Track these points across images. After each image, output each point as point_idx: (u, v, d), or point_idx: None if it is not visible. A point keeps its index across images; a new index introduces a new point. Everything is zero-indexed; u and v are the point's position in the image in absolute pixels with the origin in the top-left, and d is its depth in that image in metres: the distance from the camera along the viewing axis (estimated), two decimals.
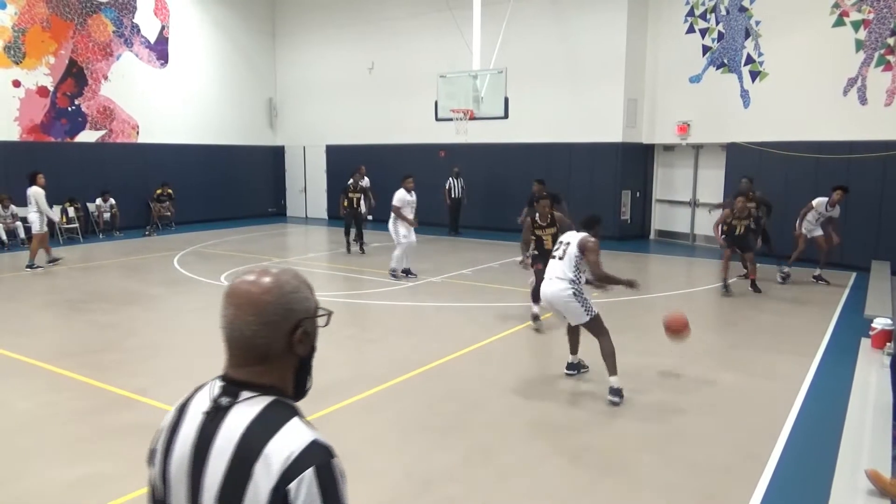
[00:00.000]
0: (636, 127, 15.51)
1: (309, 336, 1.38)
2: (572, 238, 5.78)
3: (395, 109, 18.45)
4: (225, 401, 1.32)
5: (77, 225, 15.54)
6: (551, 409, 5.37)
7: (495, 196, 16.93)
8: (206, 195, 18.97)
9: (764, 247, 11.00)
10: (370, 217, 16.06)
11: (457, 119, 13.06)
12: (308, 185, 21.01)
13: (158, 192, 17.38)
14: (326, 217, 20.40)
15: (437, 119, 13.73)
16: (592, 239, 5.70)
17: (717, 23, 14.03)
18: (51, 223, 12.47)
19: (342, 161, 19.77)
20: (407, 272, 10.81)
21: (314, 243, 16.22)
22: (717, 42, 14.06)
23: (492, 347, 7.09)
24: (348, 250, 13.54)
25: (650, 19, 15.23)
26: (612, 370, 5.47)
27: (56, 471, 4.28)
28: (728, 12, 13.78)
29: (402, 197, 10.80)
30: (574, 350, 6.14)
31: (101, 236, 15.87)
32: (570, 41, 15.53)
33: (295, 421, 1.30)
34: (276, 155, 21.38)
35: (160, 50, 17.89)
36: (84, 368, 6.23)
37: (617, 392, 5.42)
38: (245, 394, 1.32)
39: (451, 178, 16.47)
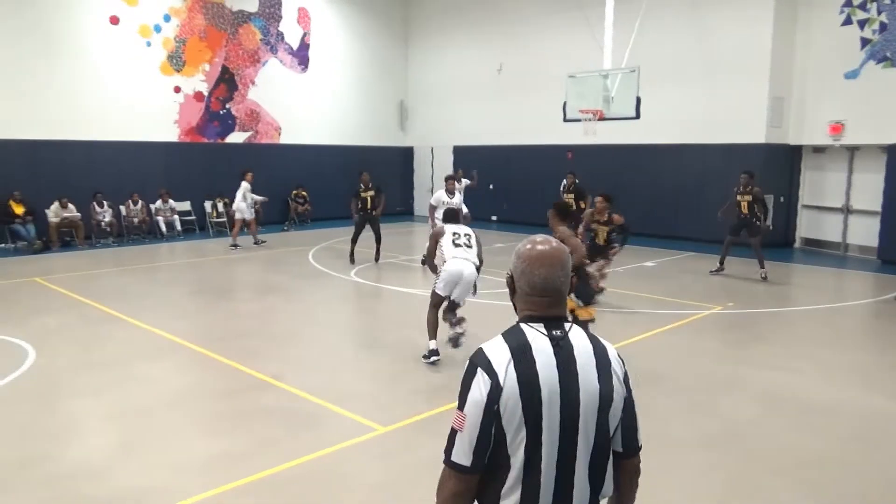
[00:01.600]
0: (781, 127, 14.45)
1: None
2: (469, 230, 6.66)
3: (522, 110, 18.39)
4: (559, 332, 1.75)
5: (225, 219, 16.81)
6: (676, 421, 5.13)
7: (623, 198, 16.38)
8: (341, 193, 19.79)
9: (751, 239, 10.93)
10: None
11: (585, 120, 12.81)
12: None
13: (294, 192, 18.47)
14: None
15: (565, 120, 13.52)
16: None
17: (879, 12, 12.77)
18: (256, 211, 14.83)
19: (469, 162, 20.00)
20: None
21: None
22: (879, 34, 12.80)
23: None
24: (352, 260, 11.98)
25: (800, 11, 14.12)
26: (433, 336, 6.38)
27: (200, 445, 4.67)
28: (893, 0, 12.52)
29: (438, 197, 11.04)
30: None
31: (245, 230, 17.07)
32: (708, 36, 14.74)
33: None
34: (405, 155, 22.00)
35: (301, 56, 18.97)
36: (228, 352, 6.73)
37: (433, 352, 6.32)
38: (566, 325, 1.79)
39: (564, 181, 16.16)
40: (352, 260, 12.05)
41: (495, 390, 1.65)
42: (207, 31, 16.87)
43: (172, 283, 10.66)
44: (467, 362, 1.74)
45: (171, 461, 4.39)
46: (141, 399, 5.51)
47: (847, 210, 14.08)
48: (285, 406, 5.39)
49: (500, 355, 1.69)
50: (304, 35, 18.98)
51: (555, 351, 1.71)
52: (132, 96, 15.63)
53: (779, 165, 14.58)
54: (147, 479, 4.13)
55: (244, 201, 14.07)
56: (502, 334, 1.76)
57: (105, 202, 14.79)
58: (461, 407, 1.69)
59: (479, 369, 1.69)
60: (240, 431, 4.88)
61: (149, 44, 15.84)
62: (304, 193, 18.59)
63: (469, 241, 6.55)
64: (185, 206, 16.47)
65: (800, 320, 8.53)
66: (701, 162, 15.08)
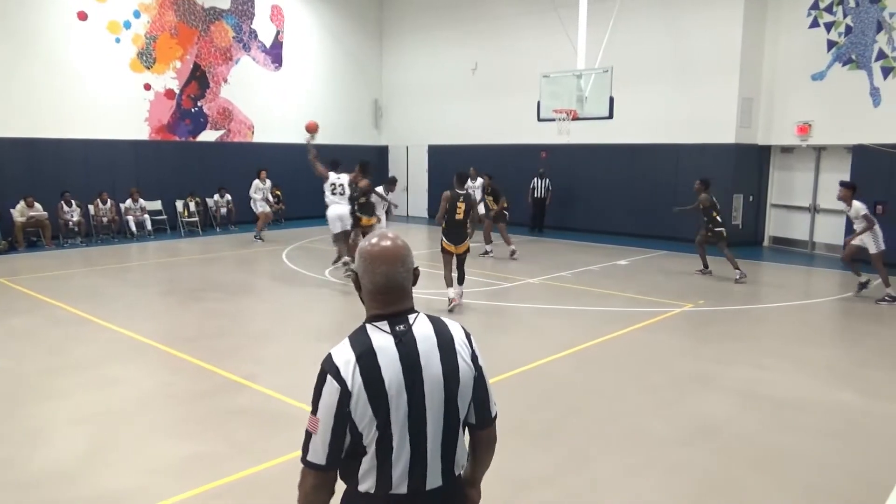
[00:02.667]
0: (751, 127, 14.70)
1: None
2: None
3: (497, 110, 18.45)
4: (402, 328, 1.84)
5: (197, 219, 16.59)
6: (651, 418, 5.19)
7: (597, 198, 16.58)
8: (314, 192, 19.62)
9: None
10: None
11: (559, 119, 12.88)
12: (409, 185, 21.41)
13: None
14: (427, 216, 20.70)
15: (539, 119, 13.59)
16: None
17: (845, 16, 13.07)
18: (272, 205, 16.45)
19: (444, 161, 20.01)
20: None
21: (414, 241, 16.50)
22: (845, 36, 13.10)
23: (590, 352, 6.95)
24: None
25: (769, 13, 14.38)
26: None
27: (173, 447, 4.59)
28: (858, 4, 12.81)
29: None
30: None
31: (217, 230, 16.88)
32: (680, 38, 14.95)
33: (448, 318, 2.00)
34: (380, 154, 21.92)
35: (275, 54, 18.79)
36: (199, 352, 6.64)
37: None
38: (410, 317, 1.87)
39: (535, 178, 16.47)
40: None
41: (344, 395, 1.76)
42: (178, 28, 16.62)
43: (143, 283, 10.48)
44: (319, 368, 1.83)
45: (144, 464, 4.32)
46: (111, 402, 5.40)
47: (814, 209, 14.38)
48: (259, 407, 5.34)
49: (345, 360, 1.79)
50: (278, 33, 18.81)
51: (398, 348, 1.80)
52: (101, 93, 15.35)
53: (748, 165, 14.84)
54: (119, 483, 4.06)
55: (256, 194, 15.61)
56: (349, 337, 1.86)
57: (73, 201, 14.49)
58: (314, 412, 1.81)
59: (329, 376, 1.79)
60: (214, 433, 4.82)
61: (118, 40, 15.56)
62: (278, 192, 18.41)
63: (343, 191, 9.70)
64: (156, 205, 16.21)
65: (770, 317, 8.68)
66: (673, 162, 15.28)
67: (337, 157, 11.79)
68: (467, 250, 8.66)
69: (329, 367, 1.80)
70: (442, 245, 8.58)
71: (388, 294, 1.85)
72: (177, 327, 7.96)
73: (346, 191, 10.09)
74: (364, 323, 1.88)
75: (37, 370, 6.20)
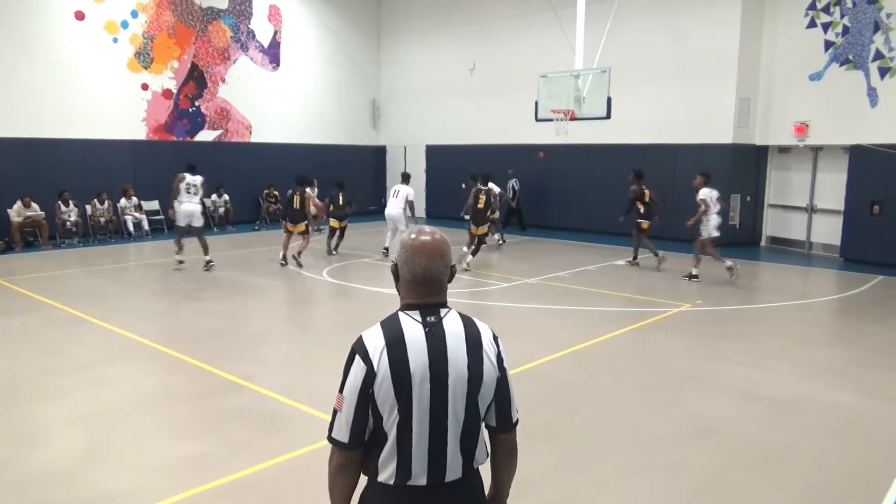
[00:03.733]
0: (749, 128, 14.72)
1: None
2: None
3: (495, 110, 18.45)
4: (433, 319, 1.89)
5: None
6: (650, 418, 5.19)
7: (595, 198, 16.58)
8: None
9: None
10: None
11: (557, 119, 12.89)
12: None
13: (266, 192, 18.27)
14: (425, 216, 20.70)
15: (536, 120, 13.60)
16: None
17: (842, 16, 13.09)
18: None
19: (442, 161, 20.02)
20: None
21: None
22: (842, 37, 13.12)
23: (589, 351, 6.96)
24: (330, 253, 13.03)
25: (766, 14, 14.41)
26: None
27: (170, 447, 4.59)
28: (855, 5, 12.84)
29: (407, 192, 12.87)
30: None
31: (215, 230, 16.84)
32: (677, 38, 14.96)
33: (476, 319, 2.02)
34: (378, 154, 21.92)
35: (273, 53, 18.78)
36: (198, 353, 6.63)
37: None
38: (442, 310, 1.92)
39: (510, 181, 16.20)
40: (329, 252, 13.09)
41: (369, 376, 1.82)
42: (176, 28, 16.60)
43: (140, 283, 10.47)
44: (349, 349, 1.90)
45: (141, 464, 4.31)
46: (109, 402, 5.40)
47: (811, 209, 14.41)
48: (257, 407, 5.33)
49: (375, 343, 1.85)
50: (276, 33, 18.79)
51: (427, 337, 1.86)
52: (98, 93, 15.32)
53: (746, 165, 14.86)
54: (116, 483, 4.05)
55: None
56: (381, 322, 1.91)
57: (70, 201, 14.47)
58: (341, 390, 1.87)
59: (357, 356, 1.86)
60: (211, 433, 4.82)
61: (115, 40, 15.54)
62: (276, 193, 18.36)
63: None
64: (154, 205, 16.18)
65: (768, 317, 8.70)
66: (671, 162, 15.29)
67: (336, 156, 11.87)
68: (486, 233, 11.66)
69: (359, 349, 1.87)
70: (469, 228, 11.55)
71: (424, 285, 1.91)
72: (174, 327, 7.95)
73: (200, 192, 11.14)
74: (398, 311, 1.93)
75: (34, 370, 6.18)
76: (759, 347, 7.16)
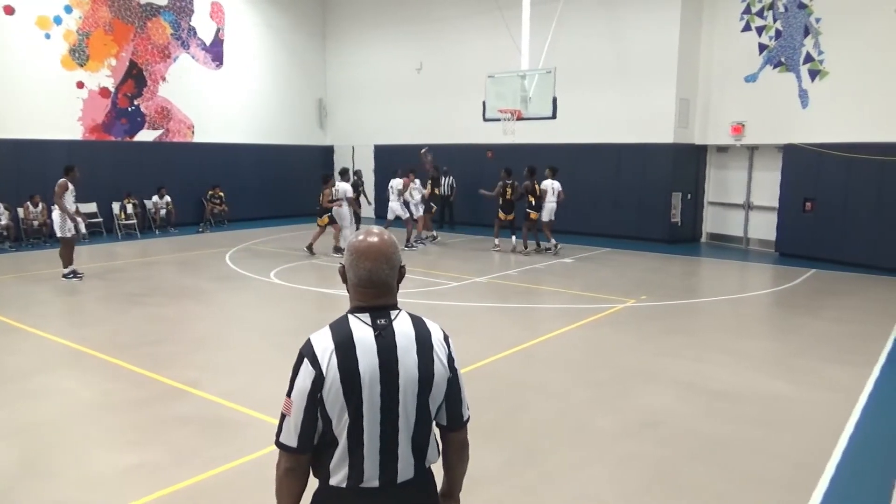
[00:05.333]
0: (688, 128, 15.18)
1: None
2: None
3: (442, 110, 18.50)
4: (383, 322, 1.86)
5: (135, 221, 16.07)
6: (598, 413, 5.30)
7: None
8: (258, 193, 19.39)
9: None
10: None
11: (504, 119, 13.01)
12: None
13: (210, 192, 17.85)
14: (374, 217, 20.59)
15: (484, 119, 13.70)
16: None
17: (775, 20, 13.63)
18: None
19: (391, 161, 19.91)
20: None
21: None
22: (775, 40, 13.66)
23: (537, 349, 7.05)
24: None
25: (704, 17, 14.88)
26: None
27: (112, 458, 4.44)
28: (786, 9, 13.38)
29: (345, 188, 12.85)
30: None
31: (157, 232, 16.38)
32: (620, 40, 15.30)
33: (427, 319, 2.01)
34: (325, 154, 21.68)
35: (215, 52, 18.36)
36: (140, 359, 6.43)
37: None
38: (392, 312, 1.90)
39: (445, 178, 17.11)
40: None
41: (318, 379, 1.79)
42: (113, 24, 16.05)
43: (77, 289, 10.08)
44: (298, 352, 1.87)
45: (83, 476, 4.16)
46: (45, 413, 5.18)
47: (748, 206, 14.95)
48: (203, 414, 5.21)
49: (324, 346, 1.82)
50: (218, 30, 18.38)
51: (376, 340, 1.83)
52: (31, 92, 14.69)
53: (686, 164, 15.31)
54: (56, 497, 3.90)
55: (395, 202, 14.27)
56: (330, 325, 1.88)
57: (1, 204, 13.82)
58: (289, 394, 1.84)
59: (305, 360, 1.83)
60: (156, 442, 4.68)
61: (48, 36, 14.93)
62: (221, 193, 18.00)
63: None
64: (91, 207, 15.61)
65: (709, 311, 8.99)
66: (615, 161, 15.62)
67: (282, 156, 11.70)
68: (514, 217, 13.52)
69: (307, 352, 1.84)
70: (498, 214, 13.59)
71: (370, 288, 1.88)
72: (115, 334, 7.68)
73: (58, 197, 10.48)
74: (347, 313, 1.90)
75: None
76: (700, 341, 7.39)
